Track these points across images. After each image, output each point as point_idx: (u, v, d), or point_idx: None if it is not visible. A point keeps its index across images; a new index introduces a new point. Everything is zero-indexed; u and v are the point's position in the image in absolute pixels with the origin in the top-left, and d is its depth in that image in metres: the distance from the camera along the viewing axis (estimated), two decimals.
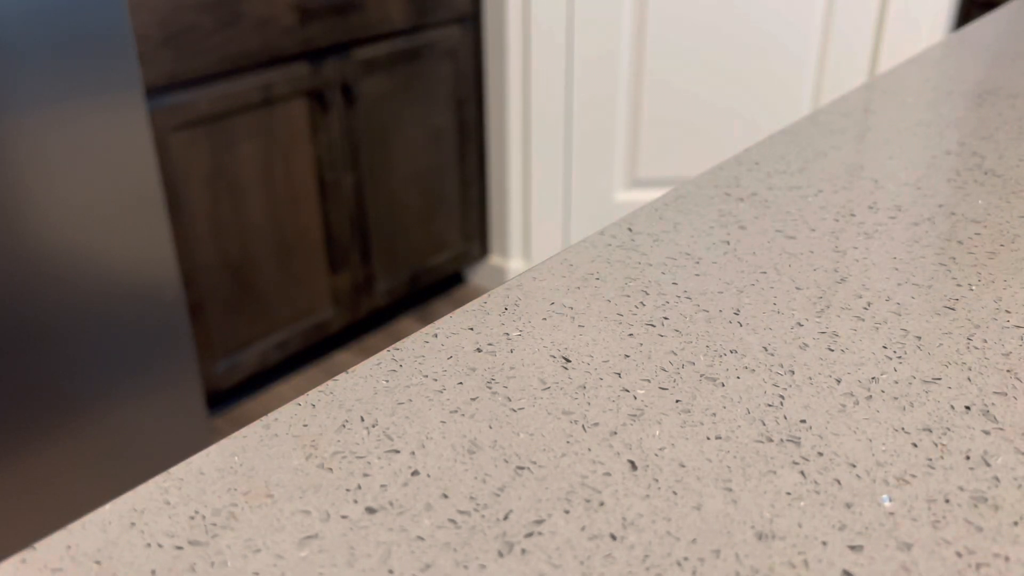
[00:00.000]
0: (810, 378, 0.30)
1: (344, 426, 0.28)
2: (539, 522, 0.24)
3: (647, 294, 0.36)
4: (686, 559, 0.23)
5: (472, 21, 1.55)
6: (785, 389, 0.30)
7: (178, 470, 0.26)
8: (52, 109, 0.92)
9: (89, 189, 0.97)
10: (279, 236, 1.36)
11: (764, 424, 0.28)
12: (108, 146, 0.98)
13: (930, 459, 0.26)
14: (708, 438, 0.27)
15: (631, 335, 0.33)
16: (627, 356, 0.32)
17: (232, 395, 1.46)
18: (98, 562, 0.23)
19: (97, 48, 0.94)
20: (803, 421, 0.28)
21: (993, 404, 0.29)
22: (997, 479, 0.26)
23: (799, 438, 0.27)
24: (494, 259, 1.74)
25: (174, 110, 1.16)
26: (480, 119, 1.63)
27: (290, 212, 1.36)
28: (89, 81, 0.94)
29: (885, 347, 0.32)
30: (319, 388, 0.30)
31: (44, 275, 0.95)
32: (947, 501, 0.25)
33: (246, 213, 1.30)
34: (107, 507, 0.25)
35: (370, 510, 0.24)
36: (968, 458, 0.26)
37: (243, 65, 1.23)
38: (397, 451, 0.27)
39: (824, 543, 0.23)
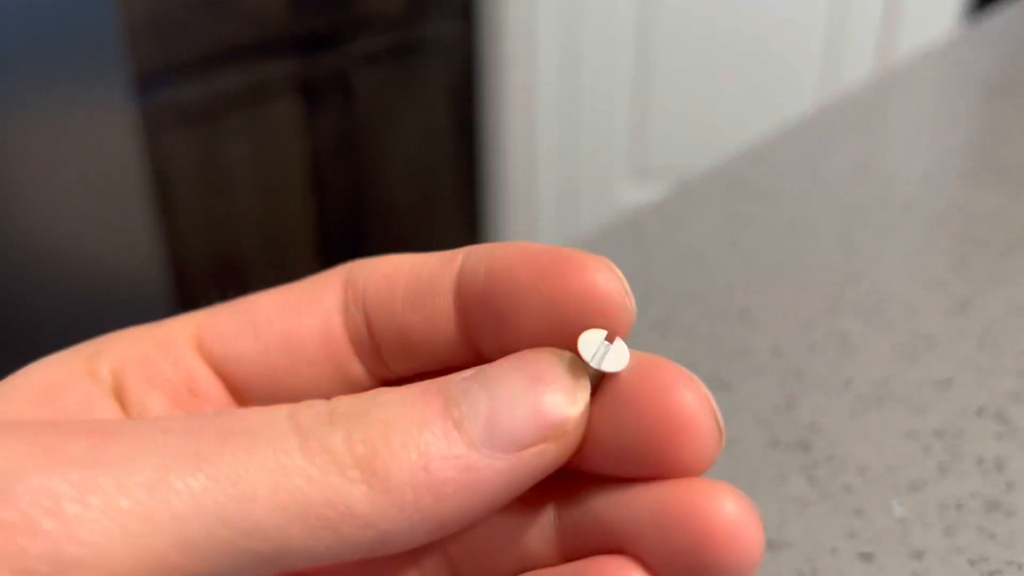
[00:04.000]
0: (819, 380, 0.30)
1: None
2: None
3: (651, 294, 0.35)
4: None
5: (470, 13, 1.54)
6: (793, 392, 0.29)
7: None
8: (37, 103, 0.92)
9: (75, 185, 0.97)
10: (271, 233, 1.35)
11: (772, 428, 0.27)
12: (95, 141, 0.97)
13: (942, 464, 0.26)
14: None
15: (634, 336, 0.32)
16: None
17: None
18: None
19: (84, 41, 0.93)
20: (812, 425, 0.27)
21: (1007, 407, 0.28)
22: (1011, 484, 0.25)
23: (808, 442, 0.27)
24: None
25: (163, 104, 1.16)
26: (479, 113, 1.62)
27: (283, 208, 1.36)
28: (76, 74, 0.93)
29: (896, 348, 0.31)
30: None
31: (28, 274, 0.95)
32: (959, 507, 0.24)
33: (238, 210, 1.30)
34: None
35: None
36: (981, 463, 0.26)
37: (235, 58, 1.22)
38: None
39: (834, 551, 0.23)
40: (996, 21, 0.75)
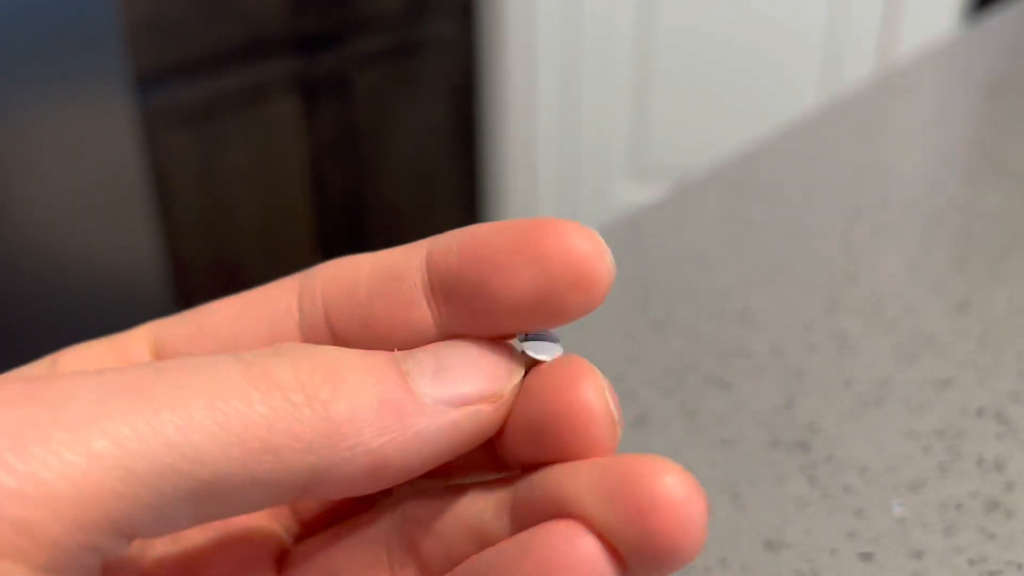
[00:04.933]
0: (819, 380, 0.29)
1: None
2: None
3: (651, 294, 0.35)
4: (692, 568, 0.22)
5: (470, 13, 1.54)
6: (793, 392, 0.29)
7: None
8: (37, 103, 0.91)
9: (75, 185, 0.97)
10: (271, 233, 1.35)
11: (772, 428, 0.27)
12: (95, 141, 0.97)
13: (942, 464, 0.26)
14: (714, 443, 0.27)
15: (634, 336, 0.32)
16: (630, 357, 0.31)
17: None
18: None
19: (84, 41, 0.93)
20: (812, 425, 0.27)
21: (1007, 407, 0.28)
22: (1011, 484, 0.25)
23: (808, 442, 0.27)
24: None
25: (163, 104, 1.16)
26: (479, 113, 1.62)
27: (282, 208, 1.36)
28: (76, 74, 0.93)
29: (896, 348, 0.31)
30: None
31: (28, 273, 0.95)
32: (959, 507, 0.24)
33: (237, 209, 1.30)
34: None
35: None
36: (981, 463, 0.26)
37: (235, 58, 1.22)
38: None
39: (833, 551, 0.23)
40: (996, 21, 0.75)
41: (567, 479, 0.11)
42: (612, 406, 0.11)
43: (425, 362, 0.11)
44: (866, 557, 0.23)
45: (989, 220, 0.41)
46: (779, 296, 0.35)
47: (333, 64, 1.35)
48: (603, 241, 0.11)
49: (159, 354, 0.13)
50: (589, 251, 0.11)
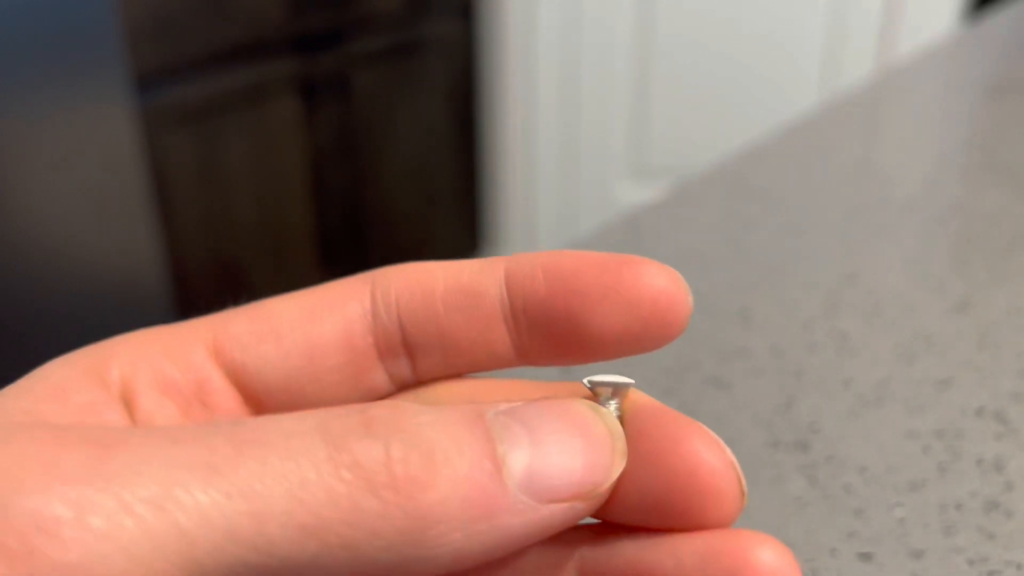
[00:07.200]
0: (819, 380, 0.29)
1: None
2: None
3: None
4: None
5: (470, 13, 1.54)
6: (793, 392, 0.29)
7: None
8: (37, 103, 0.91)
9: (75, 185, 0.97)
10: (271, 232, 1.35)
11: (772, 428, 0.27)
12: (95, 141, 0.97)
13: (942, 464, 0.26)
14: None
15: None
16: (628, 357, 0.31)
17: None
18: None
19: (84, 41, 0.93)
20: (811, 425, 0.27)
21: (1006, 407, 0.28)
22: (1010, 484, 0.25)
23: (808, 442, 0.27)
24: (493, 255, 1.74)
25: (163, 104, 1.16)
26: (479, 113, 1.62)
27: (282, 208, 1.36)
28: (75, 74, 0.93)
29: (896, 348, 0.31)
30: None
31: (28, 274, 0.95)
32: (959, 507, 0.24)
33: (237, 209, 1.30)
34: None
35: None
36: (980, 463, 0.26)
37: (235, 58, 1.22)
38: None
39: (833, 551, 0.23)
40: (996, 21, 0.75)
41: (660, 552, 0.10)
42: (741, 477, 0.11)
43: (521, 446, 0.10)
44: (866, 557, 0.23)
45: (989, 220, 0.41)
46: (779, 296, 0.35)
47: (333, 64, 1.35)
48: (685, 282, 0.11)
49: (220, 354, 0.12)
50: (675, 291, 0.11)
